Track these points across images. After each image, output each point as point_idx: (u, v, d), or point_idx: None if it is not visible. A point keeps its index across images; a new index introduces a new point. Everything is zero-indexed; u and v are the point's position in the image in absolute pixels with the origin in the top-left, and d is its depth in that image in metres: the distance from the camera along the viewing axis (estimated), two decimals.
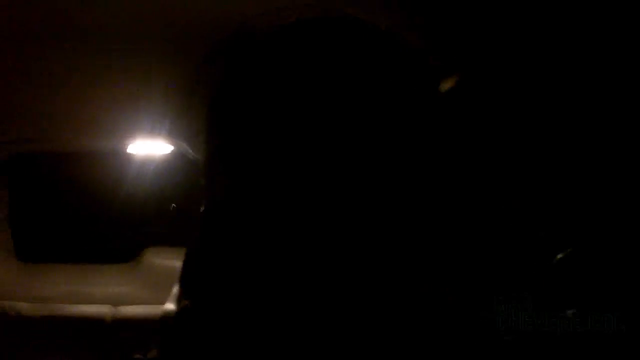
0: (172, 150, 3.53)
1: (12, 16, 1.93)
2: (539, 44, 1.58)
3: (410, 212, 0.58)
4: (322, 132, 0.56)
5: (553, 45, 1.55)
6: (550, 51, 1.57)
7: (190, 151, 3.06)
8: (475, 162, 1.39)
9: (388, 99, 0.58)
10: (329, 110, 0.56)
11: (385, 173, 0.57)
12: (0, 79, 2.47)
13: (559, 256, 1.39)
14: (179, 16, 1.96)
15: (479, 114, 1.57)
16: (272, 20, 0.62)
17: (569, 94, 1.55)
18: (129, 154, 3.66)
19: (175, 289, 0.64)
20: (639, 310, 1.24)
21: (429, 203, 0.59)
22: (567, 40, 1.53)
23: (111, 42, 2.15)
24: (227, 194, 0.59)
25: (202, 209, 0.62)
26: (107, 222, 4.36)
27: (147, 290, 3.85)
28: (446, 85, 1.65)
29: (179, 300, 0.63)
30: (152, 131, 3.17)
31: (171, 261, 3.77)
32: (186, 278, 0.63)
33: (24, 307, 3.58)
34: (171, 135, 3.25)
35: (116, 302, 3.72)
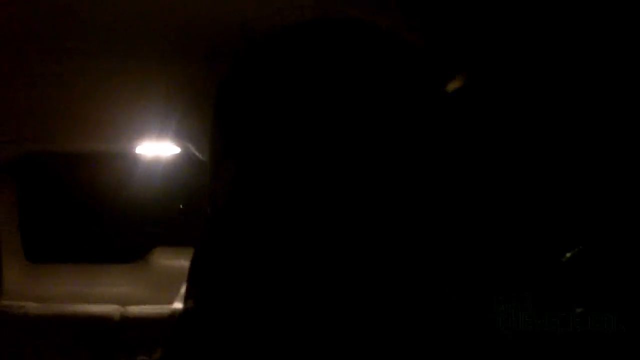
0: (179, 152, 3.54)
1: (16, 18, 1.94)
2: (542, 44, 1.58)
3: (414, 212, 0.58)
4: (327, 133, 0.56)
5: (556, 45, 1.55)
6: (554, 51, 1.58)
7: (197, 152, 3.07)
8: (478, 163, 1.39)
9: (391, 100, 0.59)
10: (333, 112, 0.57)
11: (389, 174, 0.57)
12: (7, 79, 2.48)
13: (567, 255, 1.39)
14: (184, 18, 1.97)
15: (484, 114, 1.57)
16: (274, 21, 0.63)
17: (574, 93, 1.55)
18: (137, 155, 3.68)
19: (184, 289, 0.65)
20: (639, 310, 1.24)
21: (433, 203, 0.60)
22: (569, 41, 1.53)
23: (117, 43, 2.16)
24: (233, 195, 0.60)
25: (208, 210, 0.63)
26: (114, 222, 4.38)
27: (154, 290, 3.86)
28: (452, 86, 1.65)
29: (185, 301, 0.64)
30: (159, 133, 3.18)
31: (179, 261, 3.77)
32: (192, 280, 0.64)
33: (32, 306, 3.59)
34: (178, 137, 3.26)
35: (124, 302, 3.72)
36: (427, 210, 0.57)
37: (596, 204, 1.43)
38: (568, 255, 1.40)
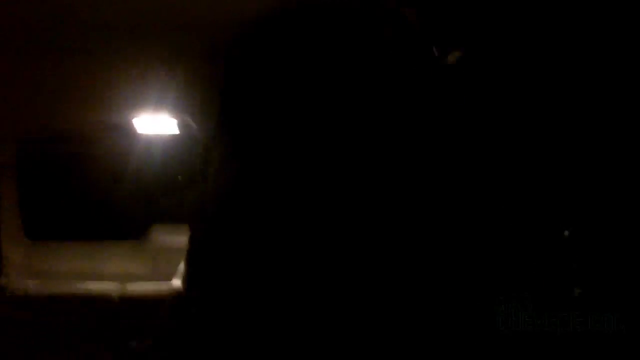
0: (178, 125, 3.54)
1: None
2: (546, 34, 1.57)
3: (414, 207, 0.58)
4: (326, 125, 0.56)
5: (560, 39, 1.53)
6: (560, 44, 1.56)
7: (195, 126, 3.07)
8: (476, 160, 1.38)
9: (389, 86, 0.58)
10: (331, 99, 0.56)
11: (390, 166, 0.57)
12: (9, 59, 2.47)
13: (565, 233, 1.39)
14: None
15: (481, 104, 1.56)
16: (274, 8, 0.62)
17: (579, 87, 1.54)
18: (137, 132, 3.67)
19: (182, 266, 0.65)
20: (639, 310, 1.24)
21: (432, 200, 0.60)
22: (573, 34, 1.52)
23: (119, 25, 2.15)
24: (234, 185, 0.59)
25: (205, 198, 0.62)
26: (114, 199, 4.38)
27: (154, 267, 3.88)
28: (452, 58, 1.63)
29: (180, 293, 0.64)
30: (157, 106, 3.18)
31: (178, 238, 3.78)
32: (188, 269, 0.64)
33: (32, 284, 3.61)
34: (176, 110, 3.25)
35: (123, 279, 3.75)
36: (428, 207, 0.57)
37: (597, 203, 1.42)
38: (566, 233, 1.41)
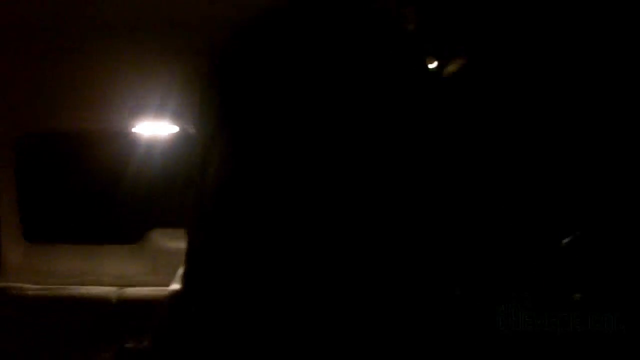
0: (177, 131, 3.53)
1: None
2: (545, 34, 1.57)
3: (414, 207, 0.58)
4: (323, 124, 0.56)
5: (559, 36, 1.53)
6: (558, 42, 1.56)
7: (194, 126, 3.06)
8: (475, 158, 1.38)
9: (386, 87, 0.58)
10: (328, 100, 0.56)
11: (389, 166, 0.57)
12: (7, 59, 2.47)
13: (564, 241, 1.39)
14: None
15: (480, 100, 1.56)
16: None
17: (575, 86, 1.54)
18: (136, 135, 3.67)
19: (181, 271, 0.65)
20: (639, 310, 1.24)
21: (432, 199, 0.59)
22: (573, 32, 1.52)
23: (117, 23, 2.14)
24: (228, 172, 0.59)
25: (203, 199, 0.61)
26: (113, 203, 4.37)
27: (152, 272, 3.87)
28: (451, 68, 1.63)
29: (178, 294, 0.63)
30: (157, 112, 3.18)
31: (177, 242, 3.78)
32: (187, 271, 0.64)
33: (30, 288, 3.60)
34: (176, 116, 3.25)
35: (122, 283, 3.74)
36: (428, 206, 0.56)
37: (597, 202, 1.42)
38: (565, 241, 1.40)
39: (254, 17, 0.63)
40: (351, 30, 0.59)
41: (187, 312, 0.63)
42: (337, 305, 0.55)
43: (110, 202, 4.44)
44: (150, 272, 3.93)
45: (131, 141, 3.81)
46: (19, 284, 3.64)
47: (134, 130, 3.61)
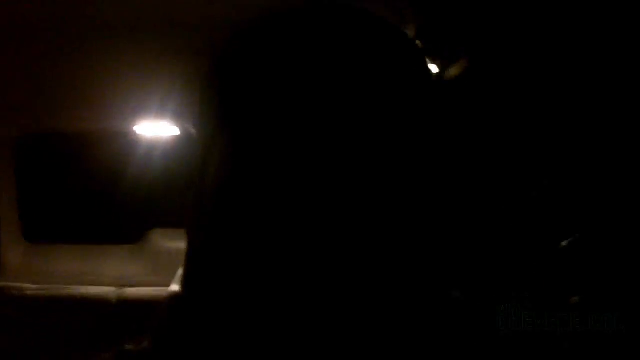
0: (178, 131, 3.53)
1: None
2: (545, 36, 1.57)
3: (414, 208, 0.58)
4: (323, 126, 0.56)
5: (559, 38, 1.53)
6: (556, 43, 1.56)
7: (194, 127, 3.05)
8: (475, 159, 1.38)
9: (387, 91, 0.58)
10: (328, 101, 0.56)
11: (389, 168, 0.57)
12: (7, 60, 2.47)
13: (563, 243, 1.39)
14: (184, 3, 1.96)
15: (483, 102, 1.56)
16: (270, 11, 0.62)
17: (574, 87, 1.54)
18: (136, 135, 3.67)
19: (180, 271, 0.65)
20: (639, 310, 1.24)
21: (432, 200, 0.59)
22: (573, 34, 1.52)
23: (119, 25, 2.14)
24: (227, 173, 0.59)
25: (203, 199, 0.61)
26: (113, 203, 4.37)
27: (153, 272, 3.87)
28: (452, 72, 1.64)
29: (178, 295, 0.63)
30: (158, 113, 3.18)
31: (177, 243, 3.78)
32: (186, 271, 0.64)
33: (30, 288, 3.60)
34: (177, 117, 3.25)
35: (122, 283, 3.74)
36: (428, 207, 0.56)
37: (597, 202, 1.42)
38: (564, 243, 1.40)
39: (254, 18, 0.63)
40: (352, 32, 0.59)
41: (187, 312, 0.63)
42: (336, 306, 0.55)
43: (110, 202, 4.44)
44: (150, 273, 3.93)
45: (131, 141, 3.81)
46: (19, 284, 3.64)
47: (134, 130, 3.60)
